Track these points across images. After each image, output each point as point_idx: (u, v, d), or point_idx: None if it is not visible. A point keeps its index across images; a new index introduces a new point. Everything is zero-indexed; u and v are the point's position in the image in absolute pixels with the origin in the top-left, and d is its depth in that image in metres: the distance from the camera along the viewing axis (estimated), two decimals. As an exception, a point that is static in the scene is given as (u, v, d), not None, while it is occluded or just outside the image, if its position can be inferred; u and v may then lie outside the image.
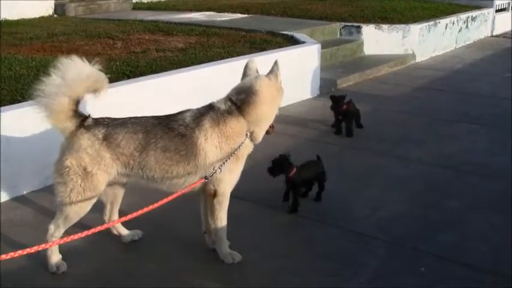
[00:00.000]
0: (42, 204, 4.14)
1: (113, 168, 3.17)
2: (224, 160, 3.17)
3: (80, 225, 3.42)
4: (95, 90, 3.13)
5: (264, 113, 3.29)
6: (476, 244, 3.71)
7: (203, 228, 3.55)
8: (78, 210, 3.20)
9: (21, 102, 4.47)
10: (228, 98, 3.28)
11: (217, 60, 6.36)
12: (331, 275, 3.35)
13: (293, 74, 7.02)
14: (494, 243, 3.73)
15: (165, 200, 2.90)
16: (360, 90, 7.70)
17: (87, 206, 3.22)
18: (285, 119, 6.20)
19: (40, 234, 3.42)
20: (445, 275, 3.36)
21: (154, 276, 3.31)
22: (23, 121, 4.16)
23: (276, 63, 3.33)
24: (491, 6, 13.09)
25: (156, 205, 2.85)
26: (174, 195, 2.98)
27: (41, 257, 3.34)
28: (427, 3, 12.41)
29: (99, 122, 3.18)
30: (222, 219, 3.35)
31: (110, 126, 3.16)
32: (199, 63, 6.13)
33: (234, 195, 3.39)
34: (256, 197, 4.17)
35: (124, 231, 3.65)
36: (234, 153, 3.18)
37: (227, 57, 6.51)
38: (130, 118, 3.25)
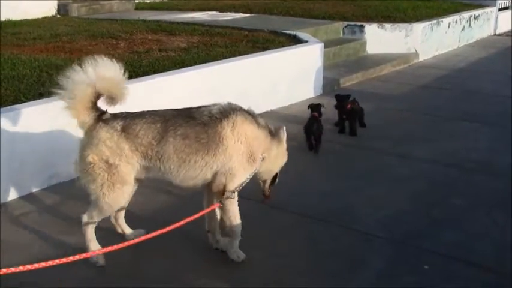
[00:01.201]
0: (47, 203, 4.15)
1: (133, 159, 3.17)
2: (242, 182, 3.27)
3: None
4: (112, 95, 3.16)
5: (277, 155, 3.52)
6: (480, 242, 3.71)
7: (206, 227, 3.56)
8: (112, 203, 3.23)
9: (24, 102, 4.49)
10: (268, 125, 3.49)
11: (220, 59, 6.36)
12: (334, 274, 3.36)
13: (296, 73, 7.04)
14: (498, 242, 3.72)
15: (201, 213, 3.06)
16: (363, 89, 7.69)
17: (119, 199, 3.24)
18: (288, 118, 6.21)
19: (44, 234, 3.44)
20: (448, 274, 3.35)
21: (158, 275, 3.31)
22: (27, 120, 4.17)
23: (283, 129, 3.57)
24: (494, 4, 13.07)
25: (193, 217, 2.99)
26: (207, 210, 3.17)
27: (43, 257, 3.34)
28: (430, 2, 12.40)
29: (117, 115, 3.21)
30: (235, 214, 3.34)
31: (128, 118, 3.19)
32: (202, 63, 6.12)
33: (238, 194, 3.39)
34: (260, 196, 4.17)
35: (128, 230, 3.65)
36: (248, 176, 3.32)
37: (230, 57, 6.49)
38: (148, 111, 3.28)
